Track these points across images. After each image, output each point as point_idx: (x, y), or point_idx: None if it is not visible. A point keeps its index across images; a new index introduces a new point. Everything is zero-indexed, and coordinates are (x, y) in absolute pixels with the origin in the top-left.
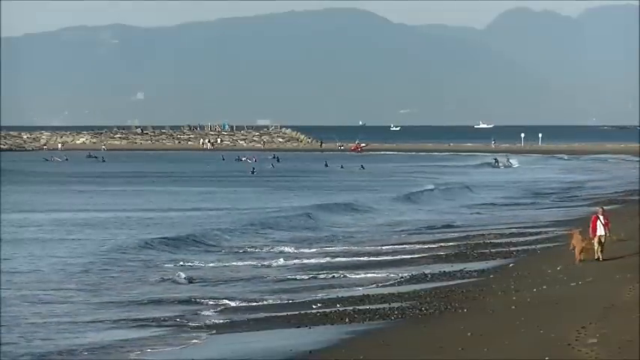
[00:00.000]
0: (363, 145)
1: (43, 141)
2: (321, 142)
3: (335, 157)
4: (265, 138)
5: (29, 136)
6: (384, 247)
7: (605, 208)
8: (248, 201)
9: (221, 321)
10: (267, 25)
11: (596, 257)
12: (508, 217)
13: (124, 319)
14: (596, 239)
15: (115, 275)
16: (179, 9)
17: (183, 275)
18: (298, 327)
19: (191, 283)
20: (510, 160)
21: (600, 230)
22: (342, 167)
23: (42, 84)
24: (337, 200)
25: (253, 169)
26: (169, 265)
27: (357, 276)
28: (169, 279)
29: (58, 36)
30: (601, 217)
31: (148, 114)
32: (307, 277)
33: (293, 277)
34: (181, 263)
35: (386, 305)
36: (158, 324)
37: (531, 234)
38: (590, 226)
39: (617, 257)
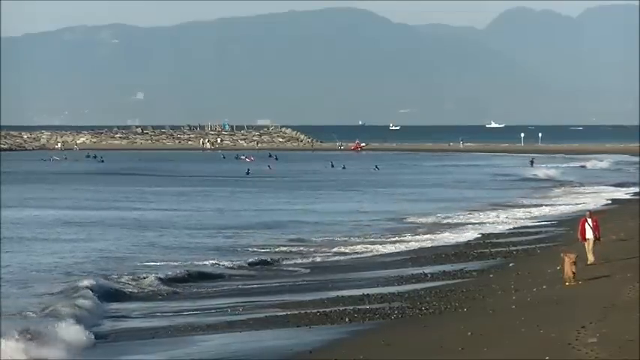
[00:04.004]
0: (363, 144)
1: (43, 141)
2: (313, 142)
3: (330, 157)
4: (265, 138)
5: (29, 136)
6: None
7: (592, 211)
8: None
9: (221, 321)
10: (267, 25)
11: (588, 263)
12: None
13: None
14: (586, 244)
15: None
16: (179, 9)
17: None
18: (298, 327)
19: None
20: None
21: (589, 233)
22: (344, 168)
23: (42, 84)
24: None
25: (248, 170)
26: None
27: (357, 276)
28: (165, 277)
29: (58, 36)
30: (589, 220)
31: (148, 114)
32: (307, 277)
33: (293, 276)
34: (176, 263)
35: (386, 305)
36: (157, 323)
37: (531, 234)
38: (579, 229)
39: (617, 257)
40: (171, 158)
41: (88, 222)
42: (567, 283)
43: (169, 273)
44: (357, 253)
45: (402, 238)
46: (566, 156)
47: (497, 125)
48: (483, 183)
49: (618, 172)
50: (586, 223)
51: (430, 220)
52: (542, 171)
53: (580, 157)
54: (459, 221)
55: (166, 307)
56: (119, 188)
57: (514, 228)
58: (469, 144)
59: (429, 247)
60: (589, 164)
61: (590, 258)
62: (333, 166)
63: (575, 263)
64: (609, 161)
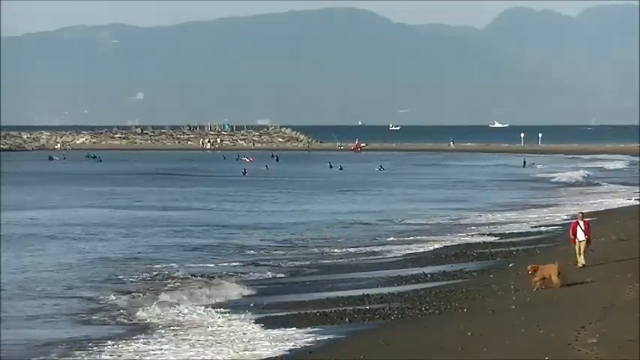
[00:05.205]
0: (363, 144)
1: (43, 141)
2: (309, 142)
3: (330, 157)
4: (265, 138)
5: (29, 136)
6: (385, 247)
7: (584, 212)
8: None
9: (222, 320)
10: (267, 25)
11: (577, 265)
12: None
13: (122, 321)
14: (576, 246)
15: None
16: (179, 9)
17: None
18: (298, 327)
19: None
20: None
21: (580, 236)
22: (340, 169)
23: (42, 84)
24: None
25: (245, 170)
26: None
27: (357, 276)
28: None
29: (58, 36)
30: (581, 223)
31: (148, 114)
32: (307, 277)
33: (294, 277)
34: (176, 266)
35: (386, 305)
36: (128, 322)
37: (531, 234)
38: (570, 231)
39: (617, 257)
40: (172, 158)
41: (88, 223)
42: (535, 289)
43: (166, 273)
44: (356, 254)
45: (401, 239)
46: (567, 156)
47: (500, 125)
48: (505, 184)
49: (635, 172)
50: (578, 226)
51: (434, 221)
52: (566, 173)
53: (585, 158)
54: (470, 222)
55: None
56: (116, 188)
57: (514, 228)
58: (469, 144)
59: (430, 249)
60: (606, 165)
61: (581, 261)
62: (331, 166)
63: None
64: (624, 162)
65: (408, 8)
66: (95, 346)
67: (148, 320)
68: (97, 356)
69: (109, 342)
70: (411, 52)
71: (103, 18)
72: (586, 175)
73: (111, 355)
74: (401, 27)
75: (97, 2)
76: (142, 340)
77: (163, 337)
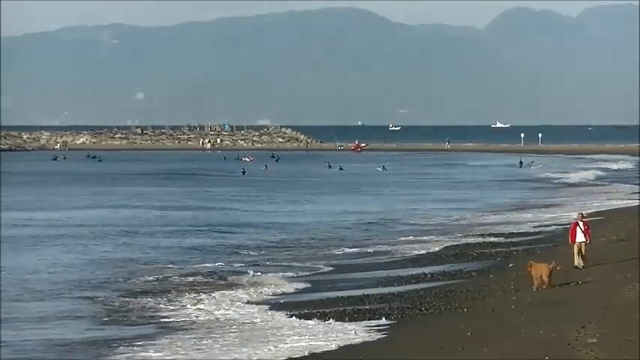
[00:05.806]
0: (363, 145)
1: (43, 141)
2: (307, 143)
3: (329, 157)
4: (265, 138)
5: (29, 136)
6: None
7: (584, 213)
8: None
9: (223, 320)
10: (267, 25)
11: (574, 265)
12: None
13: (130, 322)
14: (575, 246)
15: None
16: (179, 9)
17: None
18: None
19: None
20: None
21: (580, 237)
22: (340, 169)
23: (42, 84)
24: None
25: (244, 169)
26: (172, 266)
27: (357, 276)
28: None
29: (58, 36)
30: (580, 224)
31: (148, 114)
32: (308, 277)
33: (293, 277)
34: (177, 267)
35: (386, 305)
36: (157, 322)
37: (531, 234)
38: (570, 232)
39: (617, 257)
40: (172, 158)
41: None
42: (534, 289)
43: (168, 274)
44: (356, 254)
45: (402, 239)
46: (569, 156)
47: (502, 125)
48: (510, 184)
49: None
50: (577, 226)
51: (435, 221)
52: (577, 174)
53: (589, 158)
54: (471, 222)
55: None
56: (116, 188)
57: (514, 228)
58: (469, 144)
59: (430, 249)
60: (612, 165)
61: (579, 262)
62: (330, 167)
63: (551, 272)
64: (630, 162)
65: (408, 8)
66: (129, 345)
67: (164, 320)
68: (146, 353)
69: (142, 342)
70: (410, 52)
71: (103, 18)
72: (597, 176)
73: (157, 353)
74: (401, 27)
75: (97, 2)
76: (162, 340)
77: (184, 335)
